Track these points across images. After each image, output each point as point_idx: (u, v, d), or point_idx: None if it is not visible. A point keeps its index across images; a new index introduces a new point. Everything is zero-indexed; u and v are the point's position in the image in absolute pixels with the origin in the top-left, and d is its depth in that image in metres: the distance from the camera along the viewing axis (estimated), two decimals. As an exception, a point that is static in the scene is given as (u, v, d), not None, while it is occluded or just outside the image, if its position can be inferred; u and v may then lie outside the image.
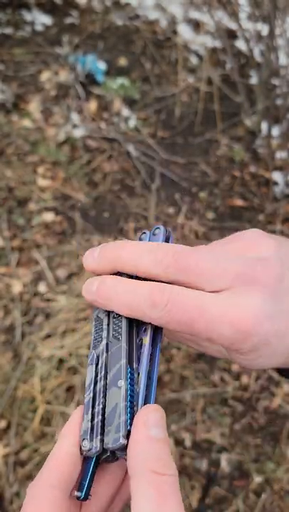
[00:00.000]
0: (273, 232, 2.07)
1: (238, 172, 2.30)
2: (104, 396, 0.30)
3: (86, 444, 0.30)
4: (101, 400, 0.30)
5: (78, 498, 0.30)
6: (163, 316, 0.27)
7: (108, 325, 0.31)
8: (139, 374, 0.30)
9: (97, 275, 0.31)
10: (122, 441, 0.27)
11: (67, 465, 0.29)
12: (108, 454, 0.30)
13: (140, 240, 0.34)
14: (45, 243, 1.91)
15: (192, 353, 1.59)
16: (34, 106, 2.37)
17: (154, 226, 0.35)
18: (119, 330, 0.30)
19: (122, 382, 0.29)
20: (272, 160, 2.11)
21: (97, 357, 0.31)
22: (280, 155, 2.25)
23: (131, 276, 0.31)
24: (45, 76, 2.52)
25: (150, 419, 0.26)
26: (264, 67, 2.11)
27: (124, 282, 0.29)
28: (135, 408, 0.28)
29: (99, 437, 0.30)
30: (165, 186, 2.21)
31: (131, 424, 0.28)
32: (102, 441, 0.29)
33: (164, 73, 2.72)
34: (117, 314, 0.31)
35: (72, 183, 2.15)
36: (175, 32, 2.89)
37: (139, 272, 0.29)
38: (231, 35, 2.94)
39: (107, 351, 0.30)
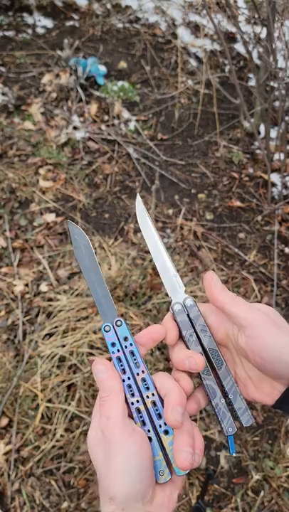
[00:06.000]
0: (271, 233, 2.09)
1: (237, 173, 2.33)
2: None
3: None
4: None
5: None
6: None
7: None
8: None
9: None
10: None
11: None
12: None
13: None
14: (47, 243, 1.93)
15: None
16: (36, 108, 2.40)
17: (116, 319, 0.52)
18: None
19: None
20: (271, 162, 2.13)
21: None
22: (278, 157, 2.27)
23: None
24: (46, 78, 2.54)
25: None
26: (262, 70, 2.14)
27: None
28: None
29: None
30: (165, 187, 2.23)
31: None
32: None
33: (164, 76, 2.75)
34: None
35: (74, 185, 2.17)
36: (175, 35, 2.92)
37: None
38: (230, 38, 2.97)
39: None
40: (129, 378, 0.50)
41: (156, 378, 0.50)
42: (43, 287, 1.76)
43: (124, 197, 2.17)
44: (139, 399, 0.49)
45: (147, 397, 0.49)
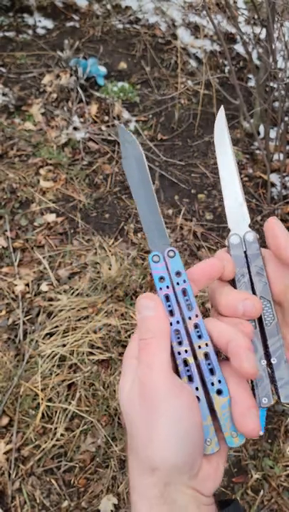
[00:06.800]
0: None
1: (237, 174, 2.33)
2: None
3: None
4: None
5: None
6: None
7: None
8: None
9: None
10: None
11: None
12: None
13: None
14: (47, 243, 1.93)
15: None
16: (36, 109, 2.41)
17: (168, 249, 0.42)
18: None
19: None
20: (270, 162, 2.14)
21: None
22: (278, 157, 2.28)
23: None
24: (46, 79, 2.55)
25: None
26: (262, 71, 2.14)
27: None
28: None
29: None
30: (165, 188, 2.24)
31: None
32: None
33: (164, 76, 2.76)
34: None
35: (74, 185, 2.18)
36: (175, 35, 2.92)
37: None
38: (230, 38, 2.97)
39: None
40: (178, 322, 0.39)
41: (210, 324, 0.39)
42: (44, 287, 1.76)
43: (125, 197, 2.17)
44: (188, 348, 0.39)
45: (199, 347, 0.39)
